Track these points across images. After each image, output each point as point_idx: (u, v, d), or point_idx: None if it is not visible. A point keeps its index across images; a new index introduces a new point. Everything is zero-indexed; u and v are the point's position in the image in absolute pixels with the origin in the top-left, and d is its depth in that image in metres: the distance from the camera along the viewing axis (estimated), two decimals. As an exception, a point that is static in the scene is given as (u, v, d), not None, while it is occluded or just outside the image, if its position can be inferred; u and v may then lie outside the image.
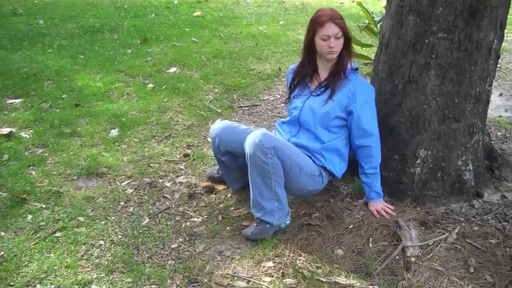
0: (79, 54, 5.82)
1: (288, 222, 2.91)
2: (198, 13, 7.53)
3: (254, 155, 2.73)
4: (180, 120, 4.34)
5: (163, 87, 4.98)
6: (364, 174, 2.97)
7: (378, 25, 3.63)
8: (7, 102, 4.62)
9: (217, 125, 3.13)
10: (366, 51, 4.34)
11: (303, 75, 3.06)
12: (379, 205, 2.99)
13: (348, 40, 2.90)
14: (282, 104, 4.71)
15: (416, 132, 3.00)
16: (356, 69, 3.00)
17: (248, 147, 2.77)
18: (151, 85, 5.02)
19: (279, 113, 4.56)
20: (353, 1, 7.98)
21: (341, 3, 7.99)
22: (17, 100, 4.65)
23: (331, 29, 2.82)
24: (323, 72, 3.00)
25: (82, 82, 5.05)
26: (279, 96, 4.86)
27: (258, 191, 2.80)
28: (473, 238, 2.78)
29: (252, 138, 2.75)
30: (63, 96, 4.76)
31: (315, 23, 2.87)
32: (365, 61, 4.14)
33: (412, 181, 3.06)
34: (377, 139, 2.93)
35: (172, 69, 5.43)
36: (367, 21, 3.77)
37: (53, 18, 7.29)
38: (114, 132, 4.09)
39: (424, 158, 3.02)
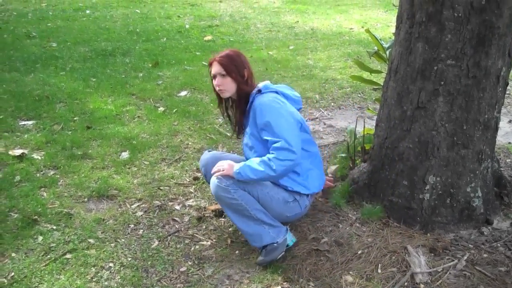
0: (91, 77, 5.89)
1: (293, 239, 2.94)
2: (209, 37, 7.62)
3: (219, 196, 2.82)
4: (190, 143, 4.38)
5: (174, 110, 5.03)
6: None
7: (387, 52, 3.66)
8: (20, 123, 4.68)
9: (204, 156, 3.24)
10: (375, 77, 4.38)
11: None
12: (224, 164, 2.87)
13: (238, 77, 2.92)
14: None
15: (425, 158, 3.02)
16: (259, 90, 2.91)
17: (212, 191, 2.86)
18: (162, 109, 5.07)
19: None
20: (362, 27, 8.05)
21: (351, 28, 8.05)
22: (30, 122, 4.71)
23: (214, 68, 2.95)
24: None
25: (94, 104, 5.11)
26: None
27: (243, 225, 2.86)
28: (482, 266, 2.77)
29: (212, 180, 2.83)
30: (75, 118, 4.81)
31: (209, 64, 3.02)
32: (374, 87, 4.17)
33: (421, 207, 3.07)
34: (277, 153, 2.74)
35: (183, 93, 5.48)
36: (376, 47, 3.81)
37: (66, 41, 7.39)
38: (125, 155, 4.13)
39: (433, 184, 3.03)
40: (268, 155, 2.74)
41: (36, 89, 5.49)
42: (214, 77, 2.96)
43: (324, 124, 4.83)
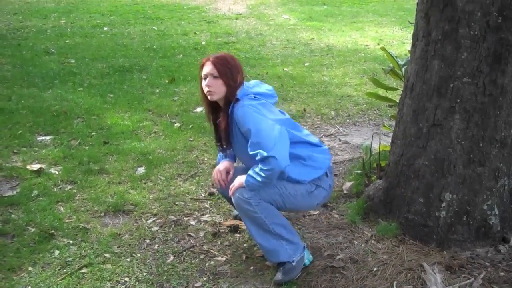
0: (109, 93, 5.96)
1: (310, 257, 2.94)
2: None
3: (241, 208, 2.81)
4: (205, 159, 4.40)
5: (190, 126, 5.06)
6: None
7: (403, 69, 3.67)
8: (38, 139, 4.74)
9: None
10: (390, 94, 4.38)
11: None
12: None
13: (230, 81, 2.82)
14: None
15: (441, 176, 3.01)
16: (237, 99, 2.82)
17: (234, 202, 2.85)
18: (178, 124, 5.11)
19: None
20: (378, 44, 8.06)
21: (366, 45, 8.07)
22: (48, 137, 4.77)
23: (207, 68, 2.85)
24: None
25: (111, 120, 5.16)
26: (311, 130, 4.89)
27: (262, 239, 2.85)
28: (499, 284, 2.75)
29: (233, 192, 2.83)
30: (92, 133, 4.86)
31: (200, 66, 2.92)
32: (390, 104, 4.18)
33: (437, 225, 3.05)
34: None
35: (199, 109, 5.52)
36: (391, 65, 3.82)
37: (84, 57, 7.48)
38: (141, 170, 4.16)
39: (449, 202, 3.01)
40: (256, 167, 2.72)
41: (54, 104, 5.56)
42: (205, 77, 2.84)
43: (340, 140, 4.83)
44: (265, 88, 2.98)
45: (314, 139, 3.02)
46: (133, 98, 5.79)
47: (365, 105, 5.59)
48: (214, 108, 2.98)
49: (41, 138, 4.76)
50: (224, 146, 2.98)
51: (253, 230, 2.85)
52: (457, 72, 2.86)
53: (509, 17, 2.74)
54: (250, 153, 2.72)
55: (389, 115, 5.03)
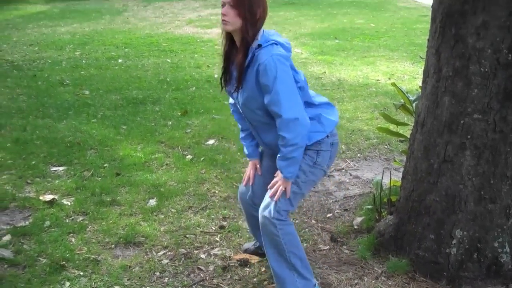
0: (122, 125, 6.02)
1: None
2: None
3: (265, 226, 2.79)
4: (216, 191, 4.42)
5: (201, 158, 5.09)
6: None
7: (414, 104, 3.69)
8: (51, 169, 4.79)
9: (241, 190, 3.23)
10: (401, 129, 4.40)
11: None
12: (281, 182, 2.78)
13: (246, 13, 2.63)
14: (320, 188, 4.73)
15: (451, 212, 3.00)
16: (259, 45, 2.66)
17: (260, 220, 2.82)
18: (189, 157, 5.14)
19: (314, 187, 4.59)
20: (389, 78, 8.10)
21: (378, 80, 8.11)
22: (61, 168, 4.81)
23: None
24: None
25: (124, 152, 5.21)
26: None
27: (276, 264, 2.83)
28: (512, 323, 2.72)
29: (262, 208, 2.81)
30: (105, 165, 4.91)
31: None
32: (401, 139, 4.19)
33: (447, 262, 3.04)
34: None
35: (211, 141, 5.56)
36: (402, 100, 3.85)
37: (99, 89, 7.58)
38: (153, 202, 4.18)
39: (460, 239, 3.00)
40: (282, 141, 2.65)
41: (68, 135, 5.62)
42: (223, 4, 2.65)
43: (350, 175, 4.83)
44: (283, 40, 2.82)
45: (322, 98, 2.96)
46: (146, 130, 5.84)
47: (376, 140, 5.60)
48: (231, 42, 2.79)
49: (54, 168, 4.81)
50: (235, 87, 2.77)
51: (270, 251, 2.83)
52: (467, 108, 2.88)
53: (519, 55, 2.76)
54: (269, 107, 2.64)
55: (400, 150, 5.03)
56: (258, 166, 3.15)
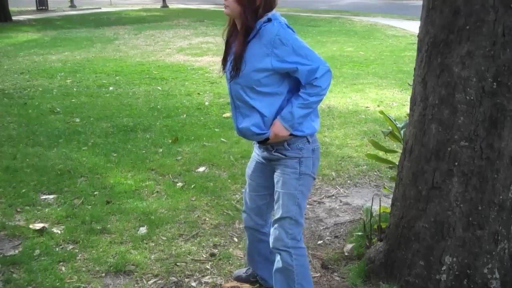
0: (113, 152, 6.03)
1: None
2: (228, 114, 7.79)
3: (280, 259, 2.82)
4: (207, 219, 4.42)
5: (192, 186, 5.10)
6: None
7: (402, 131, 3.74)
8: (41, 197, 4.78)
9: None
10: (390, 155, 4.45)
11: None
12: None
13: (244, 1, 2.70)
14: (308, 206, 4.76)
15: (440, 238, 3.03)
16: (269, 19, 2.73)
17: (273, 249, 2.85)
18: (180, 184, 5.15)
19: (304, 214, 4.60)
20: (378, 106, 8.19)
21: (367, 107, 8.19)
22: (51, 196, 4.81)
23: None
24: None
25: (114, 179, 5.21)
26: (309, 206, 4.92)
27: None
28: None
29: (274, 241, 2.87)
30: (95, 193, 4.90)
31: None
32: (390, 166, 4.23)
33: (438, 288, 3.05)
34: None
35: (201, 169, 5.57)
36: (390, 127, 3.90)
37: (89, 116, 7.60)
38: (143, 230, 4.18)
39: (449, 265, 3.02)
40: (312, 90, 2.72)
41: (59, 163, 5.62)
42: None
43: (341, 201, 4.86)
44: None
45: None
46: (137, 158, 5.86)
47: (365, 167, 5.64)
48: (234, 26, 2.88)
49: (44, 196, 4.80)
50: (233, 71, 2.80)
51: (278, 277, 2.89)
52: (454, 136, 2.93)
53: (503, 83, 2.82)
54: (298, 69, 2.68)
55: (389, 176, 5.07)
56: None
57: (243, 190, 3.35)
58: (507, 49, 2.77)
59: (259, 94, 2.79)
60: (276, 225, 2.89)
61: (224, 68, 2.96)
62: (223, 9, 2.83)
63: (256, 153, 3.13)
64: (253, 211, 3.18)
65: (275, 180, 2.93)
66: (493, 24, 2.75)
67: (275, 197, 2.92)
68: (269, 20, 2.72)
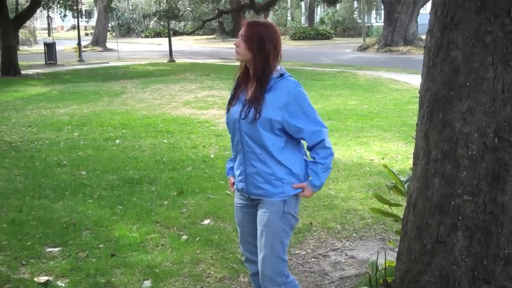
0: (118, 205, 6.06)
1: None
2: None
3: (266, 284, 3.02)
4: (212, 272, 4.41)
5: (197, 238, 5.11)
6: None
7: (405, 185, 3.77)
8: (46, 250, 4.79)
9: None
10: (395, 209, 4.47)
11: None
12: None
13: (255, 49, 2.95)
14: (313, 259, 4.75)
15: (446, 293, 3.01)
16: (282, 74, 3.03)
17: (263, 283, 3.05)
18: (185, 237, 5.16)
19: (309, 268, 4.59)
20: (382, 158, 8.24)
21: (371, 159, 8.23)
22: (56, 249, 4.82)
23: (242, 28, 3.00)
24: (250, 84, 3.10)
25: (119, 232, 5.22)
26: (310, 251, 4.91)
27: None
28: None
29: (264, 283, 3.06)
30: (100, 245, 4.91)
31: None
32: (394, 219, 4.24)
33: None
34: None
35: (206, 221, 5.59)
36: (394, 181, 3.93)
37: (95, 169, 7.67)
38: (147, 284, 4.17)
39: (456, 320, 2.99)
40: (323, 152, 3.10)
41: (64, 216, 5.65)
42: (239, 36, 3.00)
43: (346, 255, 4.84)
44: None
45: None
46: (142, 210, 5.88)
47: (371, 220, 5.64)
48: (246, 69, 3.10)
49: (49, 249, 4.81)
50: (257, 114, 3.00)
51: None
52: (457, 190, 2.95)
53: (505, 138, 2.86)
54: (303, 129, 3.01)
55: (394, 230, 5.07)
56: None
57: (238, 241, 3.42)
58: (507, 105, 2.82)
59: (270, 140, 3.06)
60: (263, 266, 3.05)
61: (228, 110, 3.17)
62: (235, 55, 3.04)
63: (239, 199, 3.30)
64: (254, 256, 3.25)
65: (259, 219, 3.10)
66: (492, 81, 2.82)
67: (258, 234, 3.09)
68: (282, 75, 3.00)
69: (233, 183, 3.34)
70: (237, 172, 3.23)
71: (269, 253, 3.03)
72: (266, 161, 3.07)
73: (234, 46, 3.01)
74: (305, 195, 3.13)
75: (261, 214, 3.10)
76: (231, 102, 3.16)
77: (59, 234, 5.15)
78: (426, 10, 33.69)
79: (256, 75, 2.99)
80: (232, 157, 3.35)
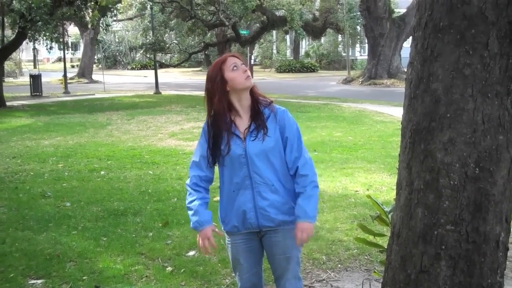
0: (102, 236, 6.02)
1: None
2: (217, 198, 7.84)
3: None
4: (197, 304, 4.38)
5: (182, 270, 5.08)
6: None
7: (389, 215, 3.80)
8: (29, 282, 4.73)
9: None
10: (380, 239, 4.49)
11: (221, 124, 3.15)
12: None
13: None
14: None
15: (431, 323, 3.02)
16: (271, 102, 3.21)
17: None
18: (170, 268, 5.13)
19: None
20: (367, 189, 8.28)
21: (356, 191, 8.28)
22: (39, 281, 4.76)
23: (235, 60, 3.08)
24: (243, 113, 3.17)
25: (103, 264, 5.18)
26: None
27: None
28: None
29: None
30: (83, 277, 4.86)
31: (218, 65, 3.07)
32: (380, 249, 4.25)
33: None
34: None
35: (191, 253, 5.56)
36: (378, 212, 3.96)
37: (80, 201, 7.62)
38: (131, 316, 4.13)
39: None
40: (305, 181, 3.17)
41: (48, 248, 5.60)
42: (236, 66, 3.04)
43: (331, 286, 4.84)
44: None
45: None
46: (126, 242, 5.84)
47: (356, 250, 5.65)
48: (230, 104, 3.12)
49: (32, 281, 4.76)
50: (264, 133, 3.10)
51: None
52: (440, 219, 2.99)
53: (486, 168, 2.92)
54: (290, 153, 3.16)
55: (379, 260, 5.08)
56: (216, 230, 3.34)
57: (233, 274, 3.41)
58: (487, 136, 2.88)
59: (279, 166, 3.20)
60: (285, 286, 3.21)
61: (228, 152, 3.20)
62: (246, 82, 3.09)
63: (239, 236, 3.32)
64: (258, 285, 3.33)
65: (276, 247, 3.19)
66: (472, 112, 2.88)
67: (275, 261, 3.20)
68: (271, 102, 3.19)
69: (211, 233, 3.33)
70: (240, 210, 3.24)
71: (291, 276, 3.20)
72: (279, 190, 3.16)
73: (248, 73, 3.08)
74: (308, 234, 3.20)
75: (278, 242, 3.20)
76: (220, 148, 3.21)
77: (43, 266, 5.09)
78: (409, 44, 34.33)
79: (257, 99, 3.15)
80: (220, 199, 3.42)
